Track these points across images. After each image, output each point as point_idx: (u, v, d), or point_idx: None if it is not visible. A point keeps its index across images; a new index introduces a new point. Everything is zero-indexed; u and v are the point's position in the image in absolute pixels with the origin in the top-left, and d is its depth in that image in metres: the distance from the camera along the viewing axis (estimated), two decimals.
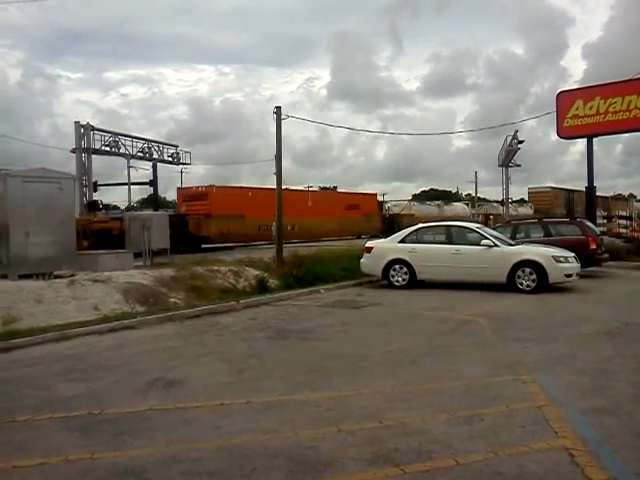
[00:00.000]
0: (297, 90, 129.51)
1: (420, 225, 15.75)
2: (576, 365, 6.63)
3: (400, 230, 16.29)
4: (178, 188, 32.68)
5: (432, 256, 14.06)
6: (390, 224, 38.90)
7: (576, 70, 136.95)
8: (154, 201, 41.08)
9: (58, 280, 11.42)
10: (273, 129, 16.98)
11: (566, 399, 5.34)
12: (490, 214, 49.90)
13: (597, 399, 5.33)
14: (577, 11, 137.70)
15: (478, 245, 13.62)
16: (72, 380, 6.36)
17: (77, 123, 31.20)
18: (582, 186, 27.25)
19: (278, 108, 16.85)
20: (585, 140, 24.06)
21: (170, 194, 60.38)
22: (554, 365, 6.67)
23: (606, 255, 17.00)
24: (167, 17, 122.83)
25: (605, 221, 33.63)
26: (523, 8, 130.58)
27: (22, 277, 11.54)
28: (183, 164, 40.62)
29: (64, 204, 12.85)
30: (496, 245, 13.58)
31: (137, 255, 15.40)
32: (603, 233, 22.88)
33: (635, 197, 66.46)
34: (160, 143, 37.81)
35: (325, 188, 61.61)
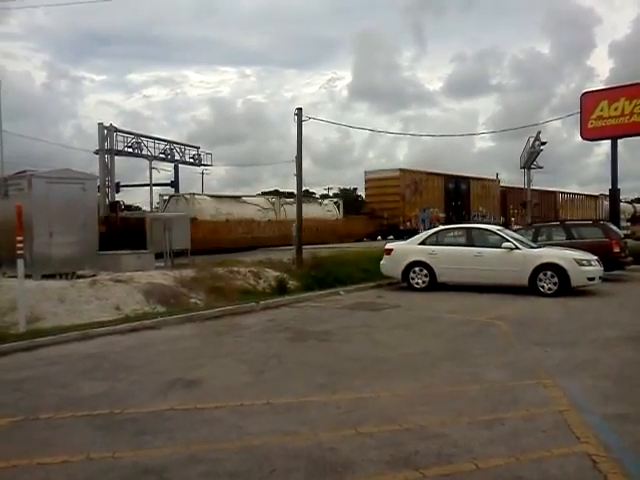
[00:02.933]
0: (319, 91, 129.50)
1: (441, 227, 15.69)
2: (598, 370, 6.55)
3: None
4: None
5: (453, 258, 13.99)
6: None
7: (603, 69, 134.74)
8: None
9: (80, 280, 11.57)
10: (294, 130, 17.00)
11: (588, 404, 5.27)
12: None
13: (620, 405, 5.25)
14: (604, 9, 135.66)
15: (499, 248, 13.52)
16: (94, 379, 6.44)
17: (100, 125, 31.52)
18: (606, 189, 26.72)
19: (299, 110, 16.87)
20: (610, 141, 23.76)
21: None
22: (576, 370, 6.59)
23: (630, 258, 16.73)
24: (190, 20, 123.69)
25: (629, 224, 33.10)
26: (549, 7, 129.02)
27: (45, 277, 11.70)
28: (204, 165, 40.86)
29: (87, 205, 13.03)
30: (517, 248, 13.46)
31: (158, 256, 15.52)
32: (627, 236, 22.53)
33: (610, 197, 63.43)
34: (182, 144, 38.07)
35: (345, 190, 61.08)
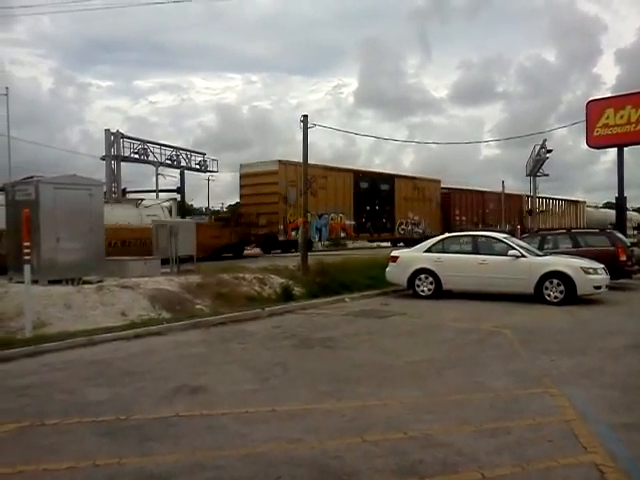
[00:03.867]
0: (324, 97, 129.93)
1: (447, 234, 15.68)
2: (605, 379, 6.51)
3: None
4: None
5: (458, 266, 13.96)
6: None
7: (609, 77, 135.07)
8: (181, 208, 41.24)
9: (87, 286, 11.59)
10: (300, 137, 16.97)
11: (595, 414, 5.24)
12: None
13: (627, 414, 5.23)
14: (609, 17, 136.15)
15: (505, 255, 13.48)
16: (99, 385, 6.45)
17: (107, 131, 31.70)
18: (612, 197, 26.58)
19: (305, 117, 16.89)
20: (616, 149, 23.73)
21: (197, 201, 60.94)
22: (583, 379, 6.56)
23: (637, 267, 16.64)
24: (196, 26, 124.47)
25: (636, 232, 32.95)
26: (555, 15, 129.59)
27: (52, 282, 11.73)
28: (210, 172, 41.02)
29: (94, 210, 13.04)
30: (523, 256, 13.42)
31: (164, 262, 15.54)
32: (634, 244, 22.44)
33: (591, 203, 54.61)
34: (188, 151, 38.24)
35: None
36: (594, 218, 46.63)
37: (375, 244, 33.09)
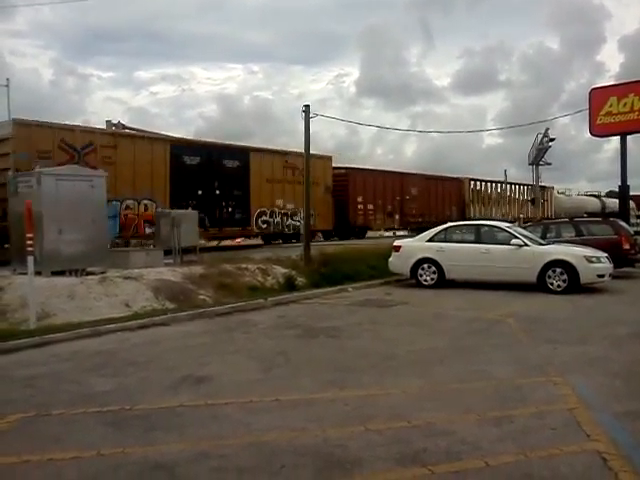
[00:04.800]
0: (326, 87, 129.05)
1: (449, 224, 15.66)
2: (609, 367, 6.52)
3: None
4: None
5: (461, 255, 13.95)
6: None
7: (612, 65, 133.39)
8: None
9: (90, 277, 11.61)
10: (302, 127, 16.90)
11: (598, 402, 5.25)
12: None
13: (631, 402, 5.23)
14: (613, 4, 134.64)
15: (508, 244, 13.47)
16: (104, 375, 6.48)
17: (108, 122, 31.61)
18: (615, 185, 26.31)
19: (307, 107, 16.80)
20: (619, 138, 23.59)
21: None
22: (586, 367, 6.57)
23: None
24: (197, 16, 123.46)
25: (639, 220, 32.79)
26: (558, 2, 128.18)
27: (55, 273, 11.75)
28: None
29: (96, 202, 13.03)
30: (526, 244, 13.41)
31: (167, 252, 15.54)
32: (637, 233, 22.36)
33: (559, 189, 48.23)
34: None
35: None
36: (565, 207, 40.88)
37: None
